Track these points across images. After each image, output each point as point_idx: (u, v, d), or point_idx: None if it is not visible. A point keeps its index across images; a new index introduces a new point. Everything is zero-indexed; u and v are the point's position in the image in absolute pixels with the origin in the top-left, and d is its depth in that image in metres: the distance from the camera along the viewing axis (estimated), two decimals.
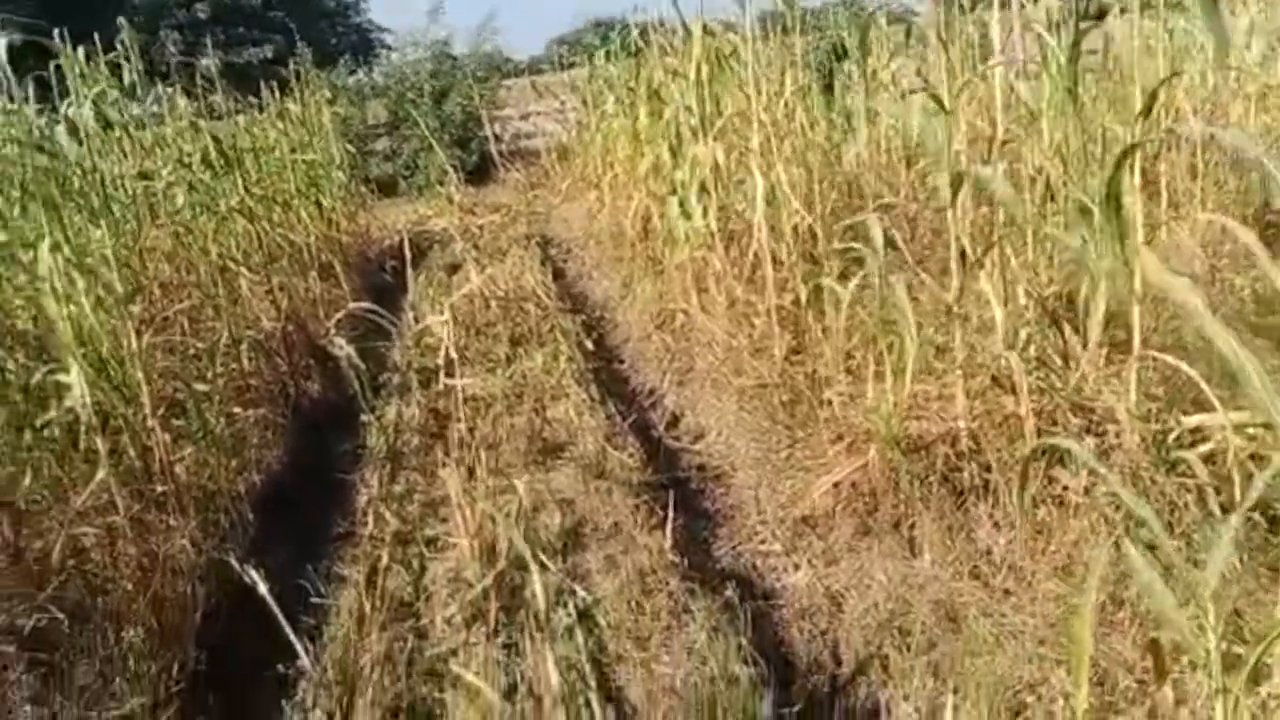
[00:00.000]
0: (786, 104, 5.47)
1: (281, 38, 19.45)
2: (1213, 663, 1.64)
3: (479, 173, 15.38)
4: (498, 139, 15.87)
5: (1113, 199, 2.35)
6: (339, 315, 5.61)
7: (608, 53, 10.31)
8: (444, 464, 4.42)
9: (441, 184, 13.09)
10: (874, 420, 3.16)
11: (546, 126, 16.50)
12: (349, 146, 11.29)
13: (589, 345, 6.48)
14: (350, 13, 31.24)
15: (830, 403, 3.78)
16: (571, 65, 16.37)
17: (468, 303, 7.55)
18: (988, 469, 2.97)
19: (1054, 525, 2.72)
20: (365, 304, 5.41)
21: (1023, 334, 3.08)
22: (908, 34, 9.03)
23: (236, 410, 5.16)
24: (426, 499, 4.14)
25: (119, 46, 5.59)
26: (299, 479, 4.85)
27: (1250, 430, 2.70)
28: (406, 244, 10.92)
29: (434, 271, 8.91)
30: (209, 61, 21.39)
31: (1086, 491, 2.66)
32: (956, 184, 2.97)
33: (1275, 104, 5.40)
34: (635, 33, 7.17)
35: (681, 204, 5.19)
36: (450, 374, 5.13)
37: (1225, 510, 2.66)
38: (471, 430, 4.76)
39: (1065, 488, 2.73)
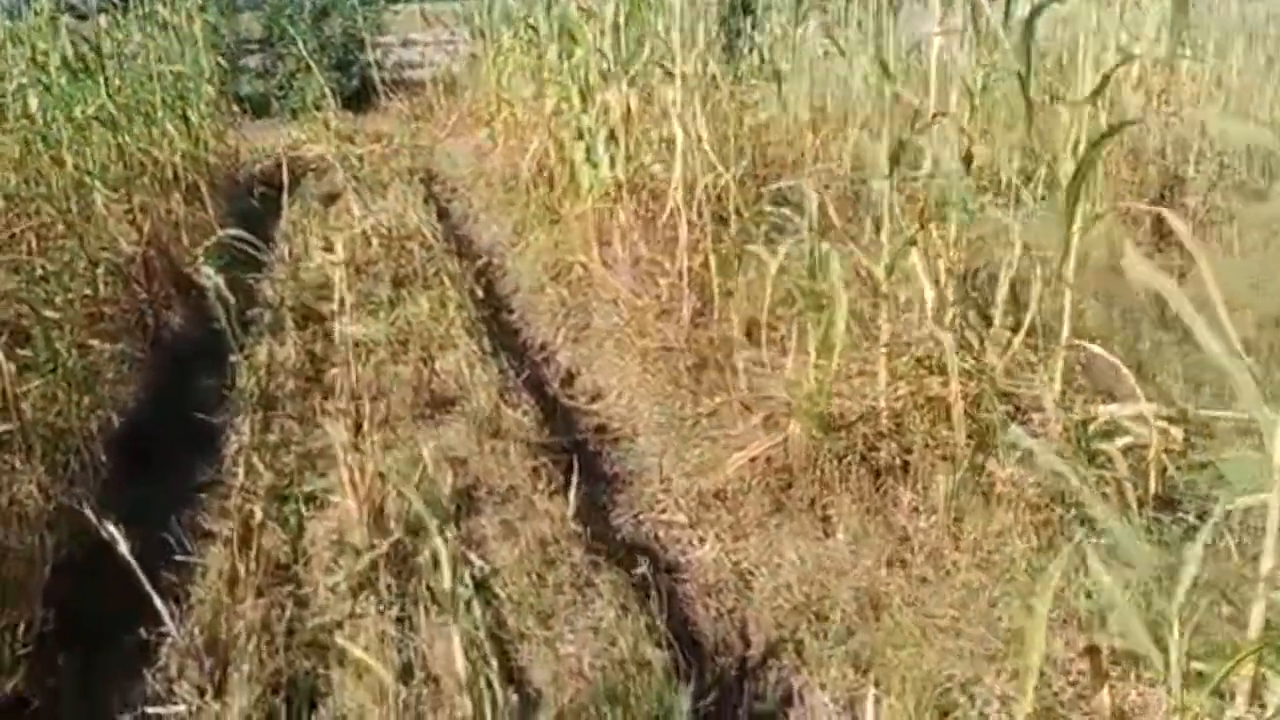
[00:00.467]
0: (699, 58, 5.27)
1: None
2: (1173, 679, 1.58)
3: (359, 99, 14.61)
4: (380, 66, 15.10)
5: (1078, 183, 2.27)
6: (207, 242, 5.16)
7: None
8: (323, 413, 4.12)
9: (319, 108, 12.36)
10: (795, 395, 3.04)
11: (434, 57, 15.79)
12: (220, 60, 10.49)
13: (479, 292, 6.20)
14: None
15: (740, 371, 3.66)
16: None
17: (345, 236, 7.14)
18: (909, 451, 2.89)
19: (977, 514, 2.67)
20: (234, 231, 4.98)
21: (948, 315, 3.00)
22: None
23: (90, 342, 4.72)
24: (304, 450, 3.84)
25: None
26: (160, 420, 4.46)
27: (1169, 425, 2.70)
28: (277, 169, 10.36)
29: (309, 201, 8.40)
30: None
31: (1013, 481, 2.61)
32: (895, 155, 2.85)
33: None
34: None
35: (588, 151, 4.95)
36: (338, 316, 4.81)
37: (1142, 504, 2.66)
38: (355, 379, 4.46)
39: (991, 475, 2.67)
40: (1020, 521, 2.58)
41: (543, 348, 5.55)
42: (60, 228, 5.08)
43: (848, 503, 2.89)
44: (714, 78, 5.15)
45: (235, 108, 12.26)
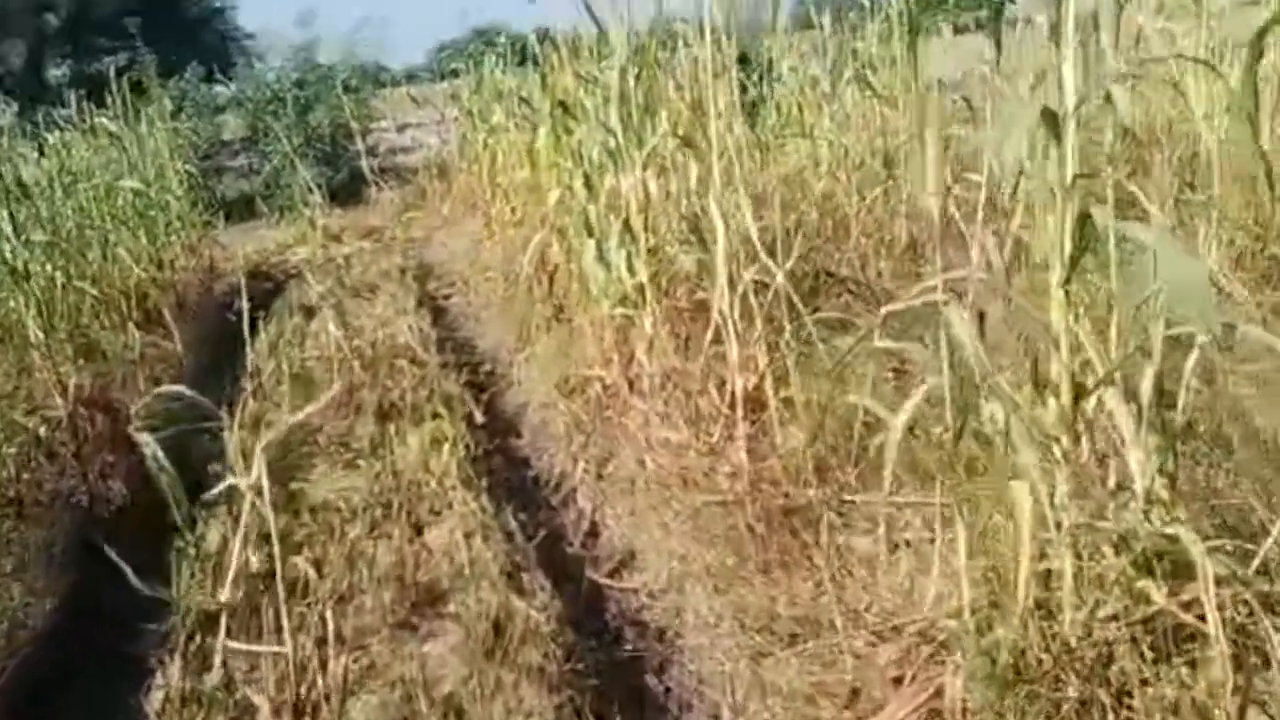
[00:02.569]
0: (725, 124, 4.34)
1: (146, 47, 17.51)
2: None
3: (349, 191, 13.87)
4: (371, 153, 14.39)
5: None
6: (145, 400, 4.20)
7: (499, 57, 9.04)
8: (276, 632, 3.11)
9: (306, 204, 11.58)
10: (954, 624, 2.01)
11: (426, 140, 15.11)
12: (190, 169, 9.68)
13: (478, 417, 5.22)
14: (215, 20, 29.03)
15: (829, 546, 2.63)
16: (454, 74, 15.03)
17: (325, 358, 6.20)
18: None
19: None
20: (177, 388, 4.05)
21: (1158, 484, 1.96)
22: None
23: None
24: (244, 703, 2.82)
25: None
26: (72, 643, 3.47)
27: None
28: (257, 279, 9.48)
29: (288, 316, 7.46)
30: (58, 73, 19.23)
31: None
32: (1086, 238, 1.84)
33: None
34: (533, 38, 5.94)
35: (599, 248, 3.99)
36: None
37: None
38: (319, 567, 3.46)
39: None
40: None
41: (558, 485, 4.56)
42: None
43: None
44: (742, 148, 4.20)
45: (215, 214, 11.48)
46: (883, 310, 2.61)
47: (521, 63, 9.72)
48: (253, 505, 4.10)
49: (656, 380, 3.97)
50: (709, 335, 3.76)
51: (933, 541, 2.26)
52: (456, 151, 11.67)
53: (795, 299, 3.27)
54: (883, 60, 6.83)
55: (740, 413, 3.23)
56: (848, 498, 3.14)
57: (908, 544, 2.43)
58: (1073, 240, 1.82)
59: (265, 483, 2.79)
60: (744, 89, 7.04)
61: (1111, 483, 2.03)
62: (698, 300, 4.24)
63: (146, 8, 23.06)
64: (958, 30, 8.83)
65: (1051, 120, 1.76)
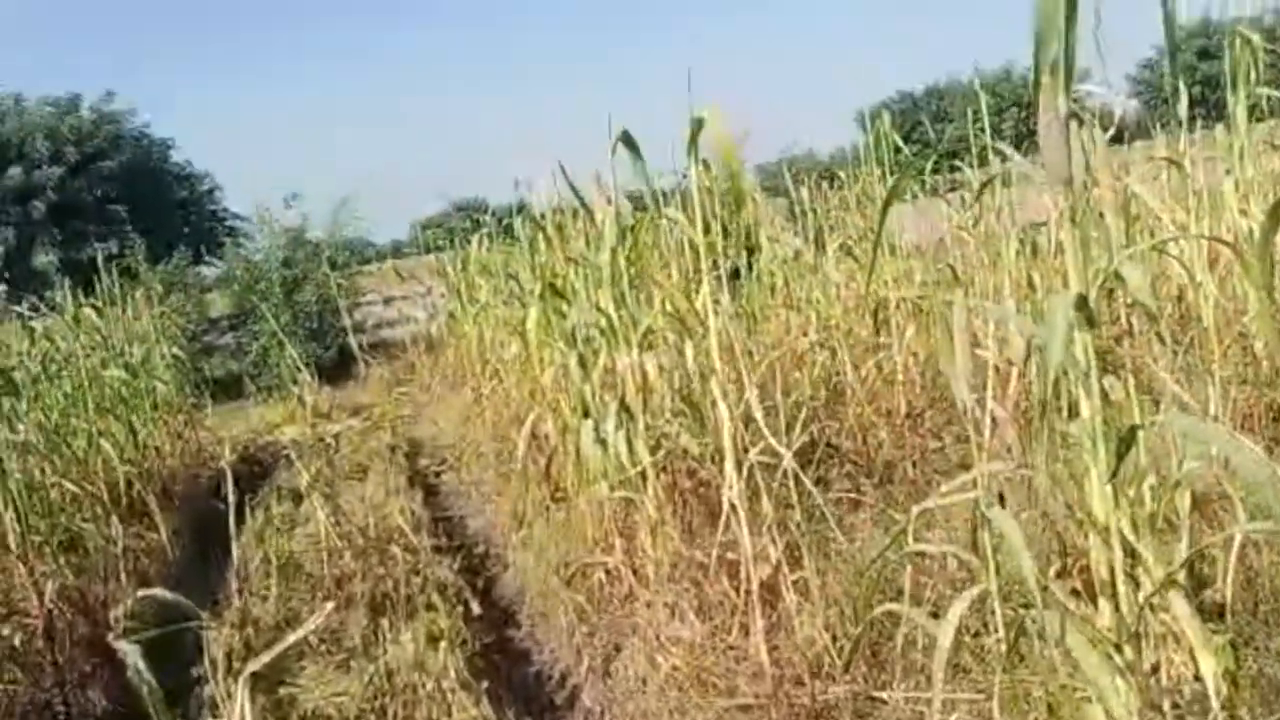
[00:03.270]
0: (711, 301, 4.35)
1: (135, 232, 17.79)
2: None
3: (338, 368, 13.89)
4: (358, 329, 14.51)
5: None
6: (125, 604, 4.01)
7: (488, 235, 9.20)
8: None
9: (295, 383, 11.55)
10: None
11: (413, 313, 15.27)
12: (178, 351, 9.68)
13: (475, 608, 5.02)
14: (204, 201, 29.75)
15: None
16: (438, 248, 15.32)
17: (314, 546, 6.01)
18: None
19: None
20: (158, 591, 3.86)
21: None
22: (792, 211, 8.26)
23: None
24: None
25: None
26: None
27: None
28: (246, 463, 9.32)
29: (276, 502, 7.28)
30: (46, 259, 19.51)
31: None
32: (1125, 441, 1.75)
33: None
34: (521, 218, 6.03)
35: (596, 429, 3.91)
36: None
37: None
38: None
39: None
40: None
41: (562, 681, 4.33)
42: None
43: None
44: (731, 323, 4.18)
45: (202, 395, 11.42)
46: (914, 510, 2.50)
47: (507, 237, 9.93)
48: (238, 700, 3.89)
49: (663, 568, 3.82)
50: (718, 521, 3.64)
51: None
52: (444, 327, 11.74)
53: (804, 478, 3.16)
54: (857, 228, 6.98)
55: (757, 604, 3.08)
56: (876, 694, 2.96)
57: None
58: (1119, 437, 1.73)
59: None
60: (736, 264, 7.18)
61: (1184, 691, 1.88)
62: (700, 479, 4.14)
63: (132, 194, 23.68)
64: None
65: (1083, 306, 1.71)
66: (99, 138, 25.03)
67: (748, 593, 3.18)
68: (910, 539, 2.50)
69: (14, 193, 23.23)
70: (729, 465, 2.99)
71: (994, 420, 2.93)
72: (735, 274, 6.86)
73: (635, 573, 4.00)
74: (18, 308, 7.90)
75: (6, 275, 22.88)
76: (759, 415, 2.93)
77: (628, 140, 3.77)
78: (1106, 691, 1.69)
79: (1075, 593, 1.95)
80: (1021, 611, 1.98)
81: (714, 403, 3.55)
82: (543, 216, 5.55)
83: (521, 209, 8.37)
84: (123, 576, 5.72)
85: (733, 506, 3.02)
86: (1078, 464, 2.18)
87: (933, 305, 5.95)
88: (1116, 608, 1.75)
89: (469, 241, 10.55)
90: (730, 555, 3.56)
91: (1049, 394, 1.60)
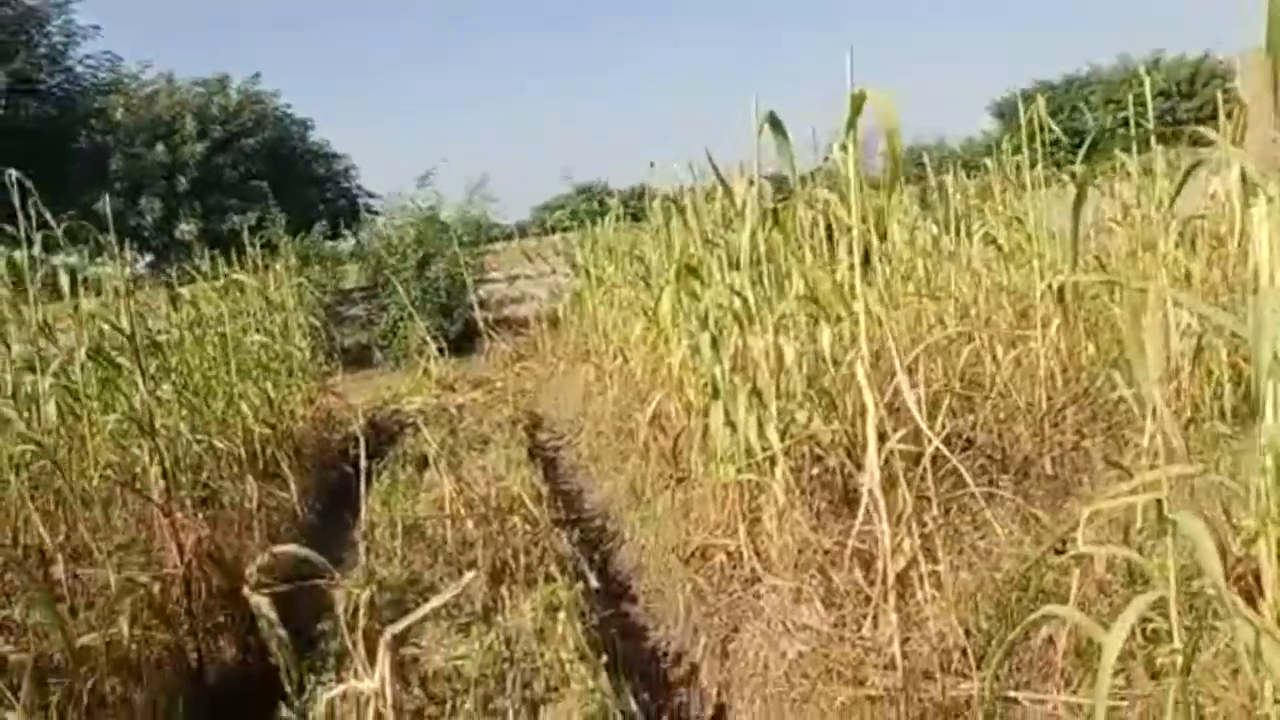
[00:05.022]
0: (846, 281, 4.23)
1: (275, 205, 18.59)
2: None
3: (463, 342, 14.17)
4: (483, 305, 14.76)
5: None
6: (258, 560, 4.13)
7: (616, 215, 9.22)
8: None
9: (421, 354, 11.84)
10: None
11: (536, 292, 15.47)
12: (313, 319, 10.00)
13: (593, 580, 5.04)
14: (340, 179, 30.77)
15: None
16: (563, 229, 15.49)
17: (437, 512, 6.12)
18: None
19: None
20: (288, 548, 3.99)
21: None
22: (924, 198, 8.01)
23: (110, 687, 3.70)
24: None
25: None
26: None
27: None
28: (373, 429, 9.58)
29: (400, 468, 7.46)
30: (188, 228, 20.47)
31: None
32: None
33: None
34: (656, 203, 5.98)
35: (727, 413, 3.85)
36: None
37: None
38: None
39: None
40: None
41: (678, 659, 4.30)
42: (99, 546, 4.17)
43: None
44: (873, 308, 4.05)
45: (334, 362, 11.83)
46: (1085, 510, 2.36)
47: (633, 219, 9.94)
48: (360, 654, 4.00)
49: (788, 554, 3.74)
50: (846, 508, 3.55)
51: None
52: (568, 305, 11.84)
53: (948, 467, 3.04)
54: (998, 215, 6.71)
55: (891, 595, 2.97)
56: (1010, 693, 2.83)
57: None
58: None
59: (389, 688, 2.62)
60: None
61: None
62: (826, 466, 4.04)
63: (272, 170, 24.62)
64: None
65: None
66: (244, 117, 26.15)
67: (882, 583, 3.08)
68: (1071, 540, 2.36)
69: (161, 167, 24.46)
70: (871, 453, 2.89)
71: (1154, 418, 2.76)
72: (865, 259, 6.68)
73: (758, 555, 3.93)
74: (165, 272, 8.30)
75: (154, 245, 24.17)
76: (911, 402, 2.81)
77: (773, 122, 3.69)
78: None
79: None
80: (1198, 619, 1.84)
81: (849, 389, 3.45)
82: (673, 199, 5.49)
83: (643, 193, 8.37)
84: (255, 533, 5.95)
85: (871, 495, 2.92)
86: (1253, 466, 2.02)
87: (1081, 295, 5.70)
88: None
89: (593, 223, 10.63)
90: (859, 544, 3.46)
91: (1259, 394, 1.46)
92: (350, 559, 5.46)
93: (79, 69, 22.86)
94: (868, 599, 3.38)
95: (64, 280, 5.16)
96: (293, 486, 6.81)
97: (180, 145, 24.74)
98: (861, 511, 2.97)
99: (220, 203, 24.26)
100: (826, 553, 3.61)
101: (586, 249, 10.28)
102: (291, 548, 4.01)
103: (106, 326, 4.71)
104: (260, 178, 24.33)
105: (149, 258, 24.20)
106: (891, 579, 2.92)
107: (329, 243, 17.19)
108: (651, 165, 5.73)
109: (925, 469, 3.08)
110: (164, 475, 4.47)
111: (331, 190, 30.21)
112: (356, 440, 9.41)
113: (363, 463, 5.36)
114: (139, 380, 4.40)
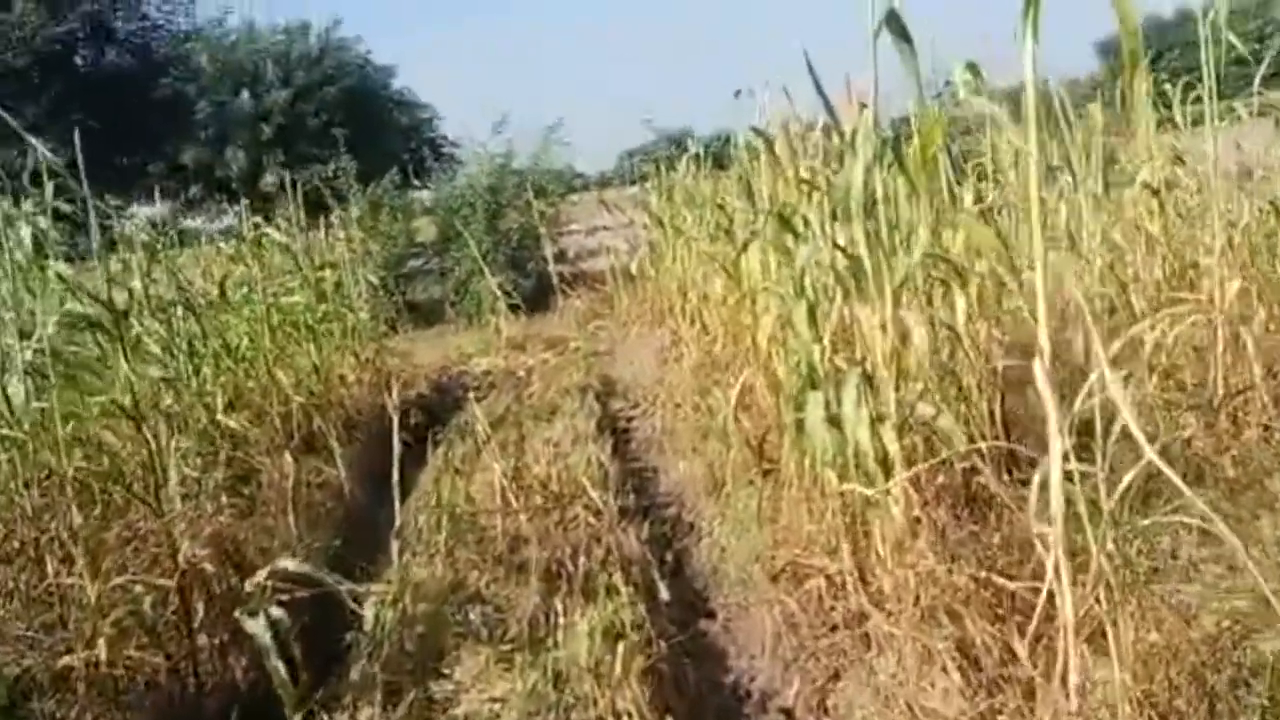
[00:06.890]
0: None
1: (353, 157, 18.08)
2: None
3: (536, 296, 13.45)
4: (559, 259, 14.01)
5: None
6: (261, 574, 3.45)
7: (696, 156, 8.33)
8: None
9: (493, 311, 11.18)
10: None
11: (615, 244, 14.65)
12: (371, 278, 9.34)
13: (663, 592, 4.28)
14: (423, 129, 30.25)
15: None
16: (644, 179, 14.61)
17: (492, 498, 5.41)
18: None
19: None
20: (288, 564, 3.30)
21: None
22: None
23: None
24: None
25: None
26: None
27: None
28: (438, 393, 8.94)
29: (460, 440, 6.76)
30: (272, 179, 20.12)
31: None
32: None
33: None
34: (742, 137, 5.08)
35: (828, 406, 3.01)
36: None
37: None
38: None
39: None
40: None
41: (765, 703, 3.52)
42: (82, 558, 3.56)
43: None
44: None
45: (403, 318, 11.26)
46: None
47: (716, 166, 9.03)
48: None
49: (905, 584, 2.91)
50: (983, 522, 2.69)
51: None
52: (644, 260, 11.03)
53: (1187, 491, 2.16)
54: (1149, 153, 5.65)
55: (1071, 658, 2.13)
56: None
57: None
58: None
59: None
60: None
61: None
62: (956, 479, 3.19)
63: (354, 119, 24.13)
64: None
65: None
66: (325, 64, 25.73)
67: (1046, 644, 2.24)
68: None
69: (246, 117, 24.18)
70: (1055, 488, 2.02)
71: None
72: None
73: (865, 585, 3.11)
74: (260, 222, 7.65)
75: (241, 196, 24.03)
76: (1127, 413, 1.96)
77: (894, 24, 2.79)
78: None
79: None
80: None
81: (992, 380, 2.59)
82: (760, 130, 4.59)
83: (728, 139, 7.46)
84: (292, 516, 5.33)
85: (1048, 545, 2.07)
86: None
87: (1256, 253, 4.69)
88: None
89: (670, 168, 9.76)
90: (1006, 581, 2.63)
91: None
92: (387, 556, 4.80)
93: (154, 14, 22.53)
94: (1014, 655, 2.56)
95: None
96: (339, 462, 6.19)
97: (265, 93, 24.44)
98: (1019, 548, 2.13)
99: (303, 152, 23.91)
100: (958, 590, 2.77)
101: (662, 197, 9.42)
102: (290, 564, 3.32)
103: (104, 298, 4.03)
104: (342, 126, 23.93)
105: (238, 208, 24.06)
106: (1074, 659, 2.08)
107: (403, 192, 16.61)
108: (736, 94, 4.82)
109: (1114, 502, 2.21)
110: (150, 466, 3.81)
111: (414, 139, 29.75)
112: (422, 402, 8.80)
113: (396, 445, 4.68)
114: (122, 358, 3.73)
